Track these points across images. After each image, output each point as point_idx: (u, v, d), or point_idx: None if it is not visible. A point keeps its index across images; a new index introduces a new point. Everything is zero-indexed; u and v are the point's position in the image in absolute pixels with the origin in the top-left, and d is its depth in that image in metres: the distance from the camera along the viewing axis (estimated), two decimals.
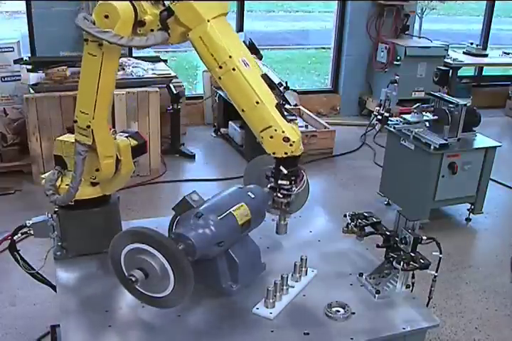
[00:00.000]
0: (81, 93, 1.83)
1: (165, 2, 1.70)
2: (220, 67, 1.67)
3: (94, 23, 1.63)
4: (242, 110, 1.71)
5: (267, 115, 1.68)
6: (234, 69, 1.66)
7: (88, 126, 1.83)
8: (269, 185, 1.82)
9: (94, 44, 1.68)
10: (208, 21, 1.65)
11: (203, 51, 1.67)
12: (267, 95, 1.70)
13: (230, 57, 1.66)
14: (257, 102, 1.67)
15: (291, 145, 1.69)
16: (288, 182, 1.74)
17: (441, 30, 11.65)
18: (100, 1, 1.64)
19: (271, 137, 1.68)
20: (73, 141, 1.94)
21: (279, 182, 1.75)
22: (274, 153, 1.72)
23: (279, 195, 1.78)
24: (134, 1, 1.64)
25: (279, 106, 1.71)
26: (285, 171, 1.73)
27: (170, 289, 1.60)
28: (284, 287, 1.84)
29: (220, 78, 1.69)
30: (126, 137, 2.06)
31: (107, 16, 1.63)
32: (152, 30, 1.67)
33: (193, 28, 1.66)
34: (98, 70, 1.74)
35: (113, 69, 1.80)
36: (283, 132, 1.67)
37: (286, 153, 1.70)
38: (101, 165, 1.94)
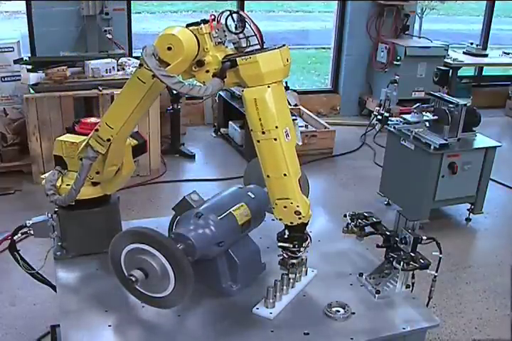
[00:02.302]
0: (114, 109, 1.81)
1: (227, 45, 1.65)
2: (263, 133, 1.62)
3: (156, 55, 1.55)
4: (268, 176, 1.69)
5: (290, 188, 1.68)
6: (275, 139, 1.63)
7: (108, 140, 1.83)
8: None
9: (149, 72, 1.58)
10: (268, 87, 1.59)
11: (252, 112, 1.61)
12: (295, 168, 1.69)
13: (276, 127, 1.62)
14: (285, 174, 1.66)
15: (300, 218, 1.71)
16: (292, 245, 1.76)
17: (441, 30, 11.66)
18: (166, 31, 1.58)
19: (284, 207, 1.70)
20: (73, 141, 1.95)
21: (282, 244, 1.77)
22: (280, 219, 1.74)
23: (285, 255, 1.80)
24: (199, 37, 1.58)
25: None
26: (289, 235, 1.76)
27: (170, 289, 1.60)
28: (284, 287, 1.84)
29: (258, 141, 1.65)
30: None
31: (170, 48, 1.56)
32: (207, 72, 1.62)
33: (250, 86, 1.60)
34: (141, 96, 1.72)
35: (154, 98, 1.79)
36: (297, 206, 1.69)
37: (292, 223, 1.73)
38: (104, 171, 1.94)
